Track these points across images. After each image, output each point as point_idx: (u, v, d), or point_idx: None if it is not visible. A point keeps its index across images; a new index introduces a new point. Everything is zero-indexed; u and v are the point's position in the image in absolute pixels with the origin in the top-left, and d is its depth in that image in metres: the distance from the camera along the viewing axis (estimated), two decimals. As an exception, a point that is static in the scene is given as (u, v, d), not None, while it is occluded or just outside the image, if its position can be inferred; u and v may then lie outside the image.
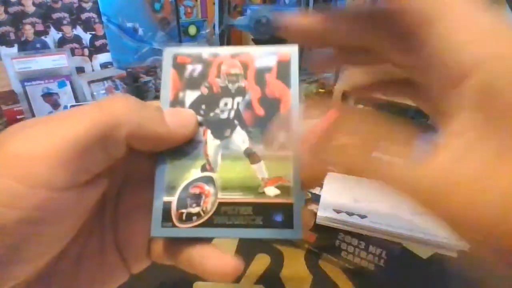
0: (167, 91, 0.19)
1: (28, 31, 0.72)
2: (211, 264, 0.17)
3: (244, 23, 0.87)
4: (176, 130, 0.18)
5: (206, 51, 0.20)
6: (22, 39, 0.72)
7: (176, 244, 0.18)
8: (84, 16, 0.78)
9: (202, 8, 0.97)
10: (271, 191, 0.18)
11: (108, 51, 0.84)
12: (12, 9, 0.69)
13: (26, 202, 0.13)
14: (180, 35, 0.93)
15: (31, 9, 0.71)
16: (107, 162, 0.16)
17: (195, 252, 0.17)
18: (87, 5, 0.78)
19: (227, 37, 0.91)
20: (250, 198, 0.17)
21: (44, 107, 0.70)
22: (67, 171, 0.14)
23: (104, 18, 0.80)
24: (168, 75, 0.20)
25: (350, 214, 0.35)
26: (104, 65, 0.84)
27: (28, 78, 0.68)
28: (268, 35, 0.84)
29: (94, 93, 0.75)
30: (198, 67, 0.19)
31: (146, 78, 0.80)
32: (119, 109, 0.16)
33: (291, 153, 0.18)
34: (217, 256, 0.17)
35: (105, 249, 0.19)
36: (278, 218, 0.17)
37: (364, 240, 0.36)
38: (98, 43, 0.82)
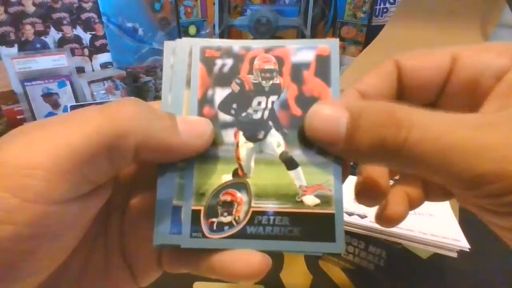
0: (195, 89, 0.17)
1: (28, 31, 0.72)
2: (237, 268, 0.15)
3: (244, 23, 0.87)
4: (191, 141, 0.16)
5: (237, 44, 0.18)
6: (22, 39, 0.72)
7: (191, 251, 0.16)
8: (84, 16, 0.78)
9: (202, 8, 0.97)
10: (310, 200, 0.16)
11: (108, 51, 0.84)
12: (12, 9, 0.69)
13: (21, 217, 0.12)
14: (180, 35, 0.93)
15: (31, 9, 0.71)
16: (113, 173, 0.15)
17: (216, 257, 0.16)
18: (87, 5, 0.78)
19: (227, 37, 0.91)
20: (286, 208, 0.16)
21: (44, 107, 0.69)
22: (67, 183, 0.13)
23: (104, 18, 0.80)
24: (195, 70, 0.17)
25: (350, 214, 0.35)
26: (104, 65, 0.84)
27: (28, 78, 0.67)
28: (268, 35, 0.85)
29: (94, 93, 0.75)
30: (229, 62, 0.18)
31: (146, 78, 0.80)
32: (127, 116, 0.14)
33: (332, 158, 0.16)
34: (241, 258, 0.15)
35: (111, 262, 0.18)
36: (318, 230, 0.16)
37: (364, 240, 0.36)
38: (98, 43, 0.82)
